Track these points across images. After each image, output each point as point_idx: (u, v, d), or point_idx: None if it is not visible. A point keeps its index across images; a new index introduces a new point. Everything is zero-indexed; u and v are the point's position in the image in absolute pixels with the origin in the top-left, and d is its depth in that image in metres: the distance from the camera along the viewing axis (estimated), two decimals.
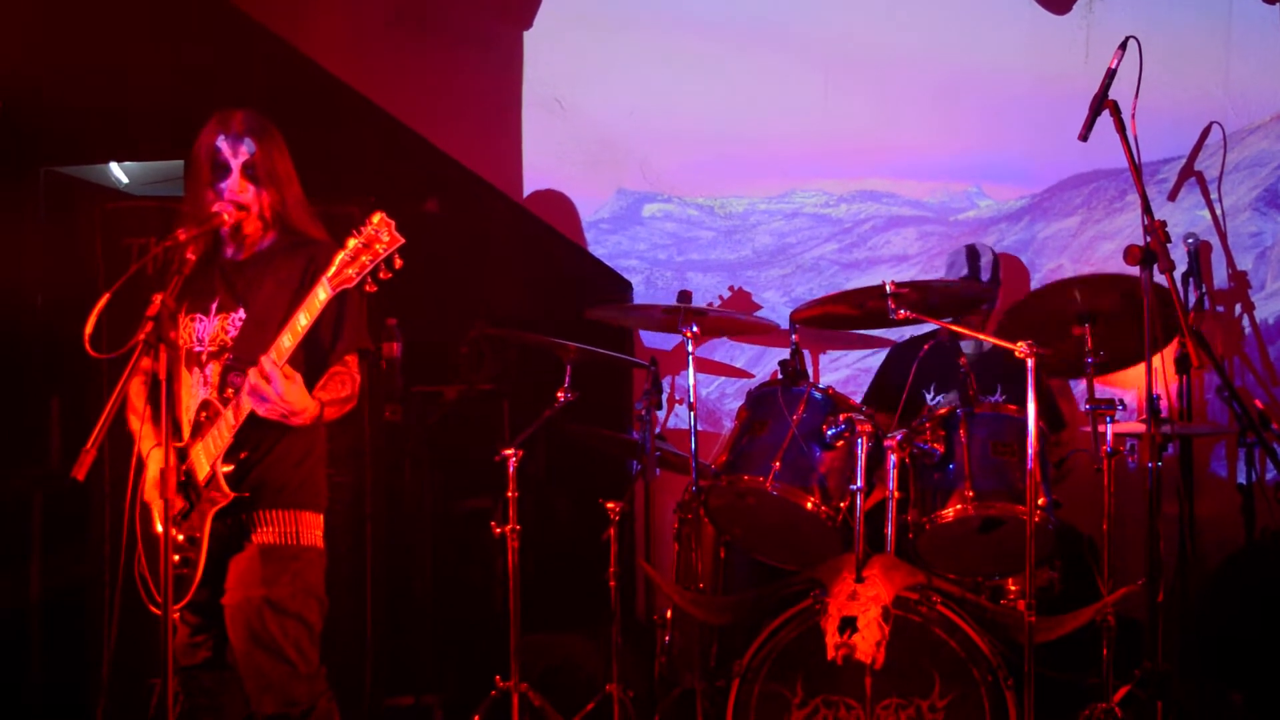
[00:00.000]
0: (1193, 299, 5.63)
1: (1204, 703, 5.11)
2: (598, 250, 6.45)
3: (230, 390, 3.82)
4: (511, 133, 6.61)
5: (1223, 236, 6.05)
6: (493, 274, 5.99)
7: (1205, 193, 6.05)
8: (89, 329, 3.50)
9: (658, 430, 4.80)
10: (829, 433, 4.50)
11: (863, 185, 6.44)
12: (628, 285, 6.45)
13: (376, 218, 3.60)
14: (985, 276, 5.45)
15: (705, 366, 6.16)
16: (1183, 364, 5.55)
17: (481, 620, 5.35)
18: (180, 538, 3.79)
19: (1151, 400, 4.15)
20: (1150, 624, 4.56)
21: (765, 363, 6.27)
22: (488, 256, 6.03)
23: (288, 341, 3.67)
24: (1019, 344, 4.13)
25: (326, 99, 6.06)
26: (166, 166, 6.43)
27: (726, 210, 6.54)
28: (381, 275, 3.61)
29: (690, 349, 4.70)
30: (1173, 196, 6.04)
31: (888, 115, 6.33)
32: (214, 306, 3.92)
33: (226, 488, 3.77)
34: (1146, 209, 4.07)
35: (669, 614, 5.02)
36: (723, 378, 6.39)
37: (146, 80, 5.86)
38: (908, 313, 4.43)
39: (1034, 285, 6.30)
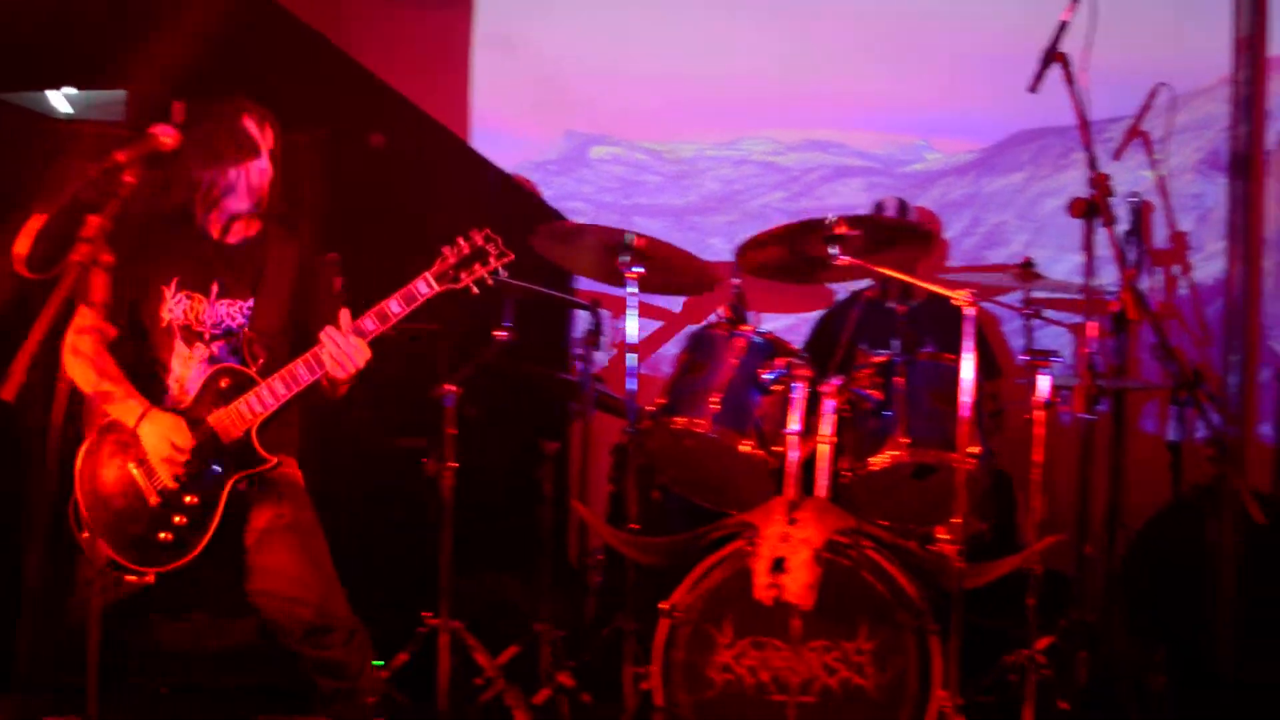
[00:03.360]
0: (1133, 257, 5.66)
1: (1127, 655, 5.17)
2: (544, 192, 6.41)
3: (261, 360, 4.02)
4: (460, 71, 6.55)
5: (1165, 197, 6.09)
6: (437, 211, 5.94)
7: (1150, 153, 6.08)
8: (22, 249, 3.47)
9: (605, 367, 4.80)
10: (767, 377, 4.50)
11: (811, 135, 6.42)
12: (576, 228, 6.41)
13: (485, 234, 3.92)
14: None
15: (646, 311, 6.14)
16: (1119, 321, 5.64)
17: (413, 559, 5.32)
18: (189, 499, 3.94)
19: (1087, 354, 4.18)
20: (1077, 576, 4.62)
21: (707, 309, 6.24)
22: (433, 194, 5.97)
23: (371, 325, 3.90)
24: (960, 292, 4.14)
25: (273, 29, 5.97)
26: (109, 95, 6.31)
27: (675, 155, 6.52)
28: (488, 283, 3.94)
29: (631, 288, 4.68)
30: (1118, 155, 6.05)
31: (838, 66, 6.31)
32: (215, 289, 4.07)
33: (265, 452, 3.97)
34: (1092, 162, 4.09)
35: (600, 555, 5.02)
36: (662, 322, 6.38)
37: (88, 6, 5.75)
38: (849, 258, 4.43)
39: (977, 239, 6.32)
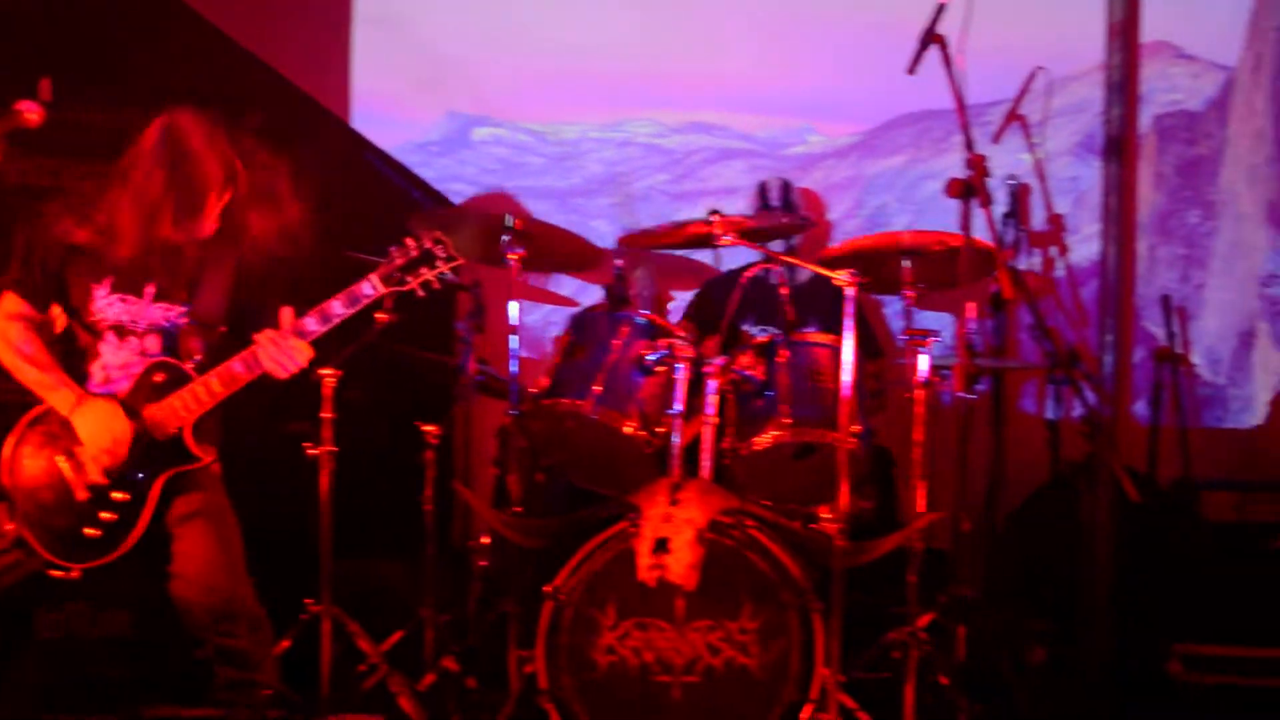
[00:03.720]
0: (1011, 239, 5.74)
1: (1006, 630, 5.26)
2: (425, 173, 6.32)
3: (199, 357, 3.98)
4: (341, 50, 6.45)
5: (1042, 180, 6.17)
6: (316, 193, 5.84)
7: (1028, 136, 6.17)
8: None
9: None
10: (650, 358, 4.50)
11: (695, 117, 6.43)
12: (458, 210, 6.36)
13: (434, 236, 3.94)
14: (794, 209, 5.50)
15: (530, 294, 6.10)
16: (997, 301, 5.71)
17: (296, 544, 5.24)
18: (118, 496, 3.90)
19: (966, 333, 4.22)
20: (956, 552, 4.69)
21: (590, 292, 6.23)
22: (311, 175, 5.86)
23: (313, 325, 3.90)
24: (841, 272, 4.17)
25: (145, 3, 5.84)
26: None
27: (558, 137, 6.49)
28: (434, 287, 3.96)
29: (515, 273, 4.65)
30: (996, 138, 6.13)
31: (721, 48, 6.32)
32: (150, 292, 4.02)
33: (198, 450, 3.96)
34: (969, 144, 4.13)
35: (485, 539, 4.99)
36: (548, 306, 6.35)
37: None
38: (732, 238, 4.45)
39: (860, 222, 6.38)
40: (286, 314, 3.89)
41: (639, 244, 4.73)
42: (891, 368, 5.57)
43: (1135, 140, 6.17)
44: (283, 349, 3.86)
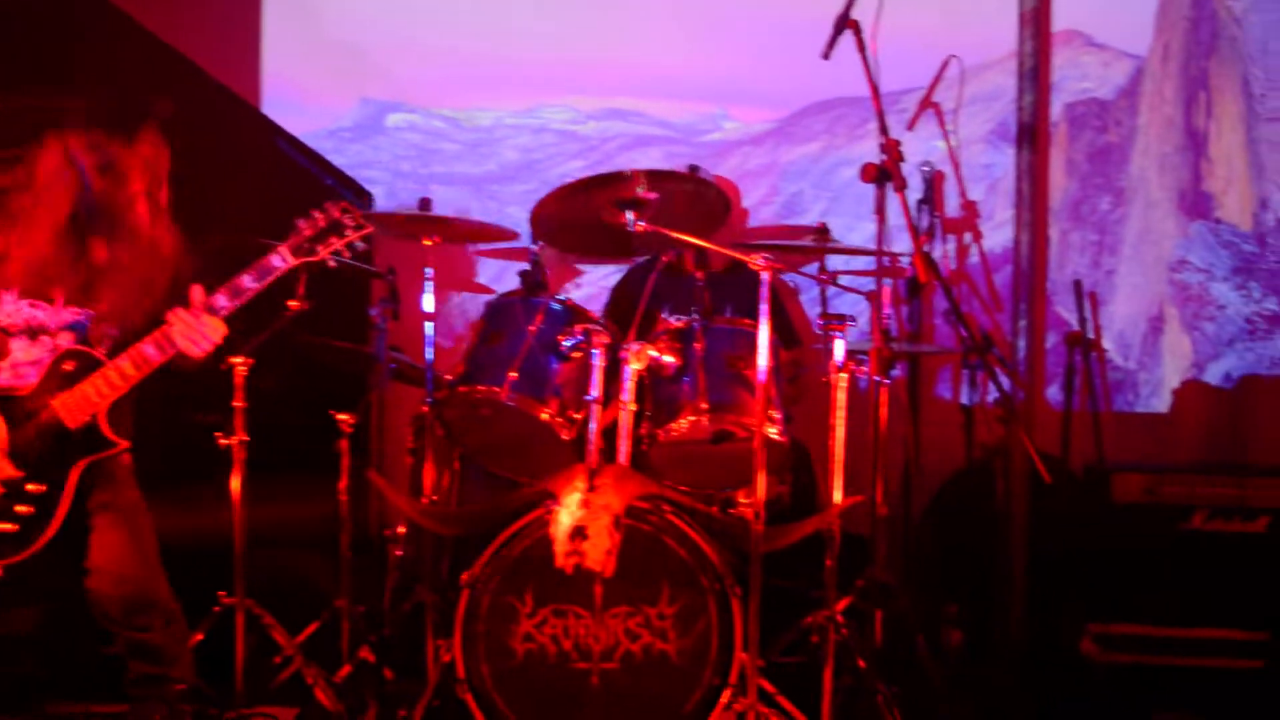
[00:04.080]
0: (925, 225, 5.77)
1: (922, 613, 5.30)
2: (338, 159, 6.26)
3: (108, 342, 3.89)
4: (251, 35, 6.36)
5: (956, 166, 6.22)
6: (227, 180, 5.76)
7: (942, 123, 6.21)
8: None
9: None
10: (566, 344, 4.48)
11: (610, 103, 6.40)
12: (368, 196, 6.29)
13: (341, 206, 3.89)
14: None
15: (446, 282, 6.06)
16: (913, 287, 5.75)
17: (209, 536, 5.17)
18: (33, 488, 3.83)
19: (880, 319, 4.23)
20: (872, 537, 4.71)
21: (507, 279, 6.19)
22: (222, 162, 5.78)
23: (224, 301, 3.83)
24: (756, 256, 4.16)
25: None
26: None
27: (473, 123, 6.44)
28: (344, 256, 3.94)
29: (430, 259, 4.60)
30: (911, 126, 6.17)
31: (637, 33, 6.29)
32: (59, 298, 3.95)
33: (113, 436, 3.89)
34: (883, 128, 4.14)
35: (401, 529, 4.94)
36: (465, 293, 6.31)
37: None
38: (647, 225, 4.42)
39: (776, 209, 6.39)
40: (197, 292, 3.81)
41: (553, 225, 4.69)
42: (808, 355, 5.60)
43: (1047, 127, 6.23)
44: (195, 327, 3.79)
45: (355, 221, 3.91)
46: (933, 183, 5.84)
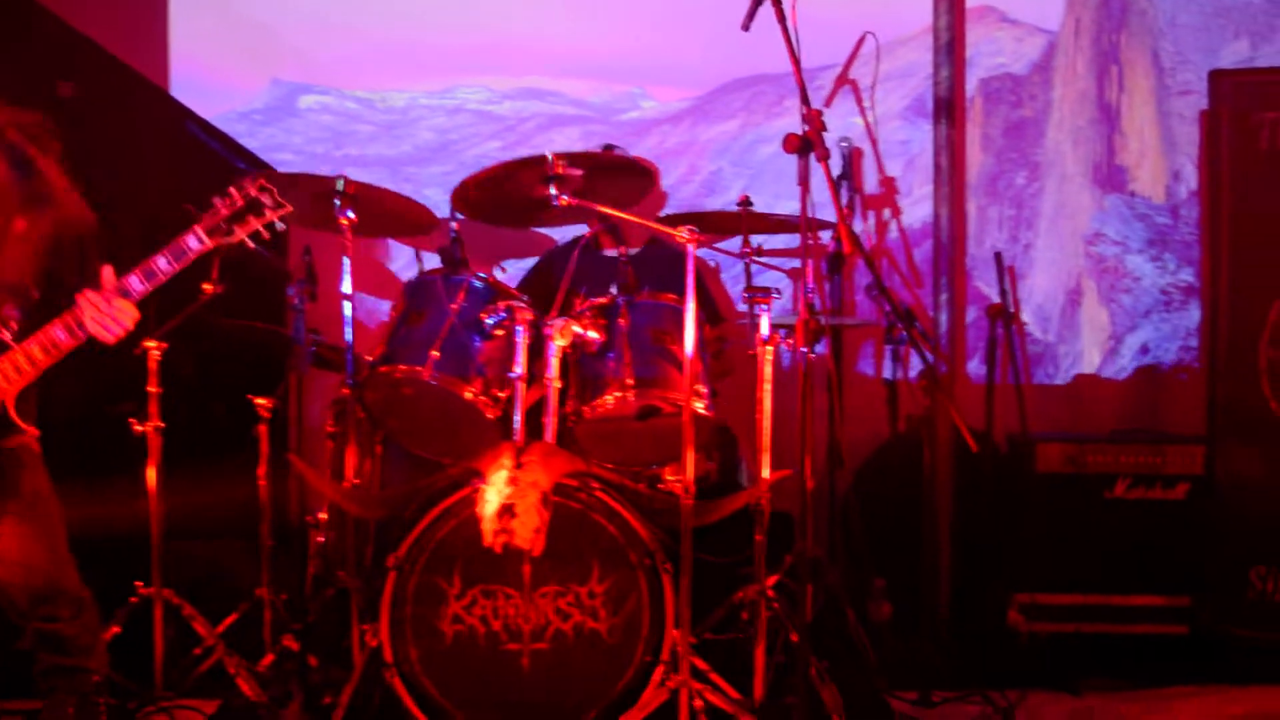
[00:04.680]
0: (845, 200, 5.76)
1: (850, 587, 5.30)
2: (249, 143, 6.13)
3: (14, 324, 3.77)
4: (157, 15, 6.21)
5: (874, 143, 6.22)
6: (134, 163, 5.62)
7: (859, 100, 6.22)
8: None
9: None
10: (489, 321, 4.42)
11: (526, 83, 6.33)
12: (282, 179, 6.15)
13: (259, 184, 3.75)
14: None
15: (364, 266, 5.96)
16: (835, 261, 5.75)
17: (128, 526, 5.05)
18: None
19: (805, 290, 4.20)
20: (800, 512, 4.68)
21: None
22: (129, 145, 5.64)
23: (137, 284, 3.70)
24: (680, 229, 4.13)
25: None
26: None
27: (387, 104, 6.34)
28: (263, 236, 3.80)
29: (348, 238, 4.50)
30: (828, 103, 6.16)
31: (552, 12, 6.22)
32: None
33: (22, 422, 3.79)
34: (804, 98, 4.11)
35: (323, 515, 4.85)
36: (383, 275, 6.21)
37: None
38: (570, 199, 4.37)
39: (695, 187, 6.35)
40: (108, 273, 3.70)
41: (472, 202, 4.61)
42: (732, 331, 5.56)
43: (964, 101, 6.25)
44: (107, 310, 3.67)
45: (274, 200, 3.80)
46: (851, 159, 5.85)
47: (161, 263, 3.74)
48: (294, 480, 5.11)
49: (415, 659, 4.18)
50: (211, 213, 3.78)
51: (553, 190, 4.35)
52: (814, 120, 4.11)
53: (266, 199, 3.80)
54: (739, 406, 4.81)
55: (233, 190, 3.80)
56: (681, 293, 4.18)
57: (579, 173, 4.39)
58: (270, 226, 3.82)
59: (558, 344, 4.35)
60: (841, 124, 6.16)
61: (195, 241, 3.76)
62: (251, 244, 3.83)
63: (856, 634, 4.97)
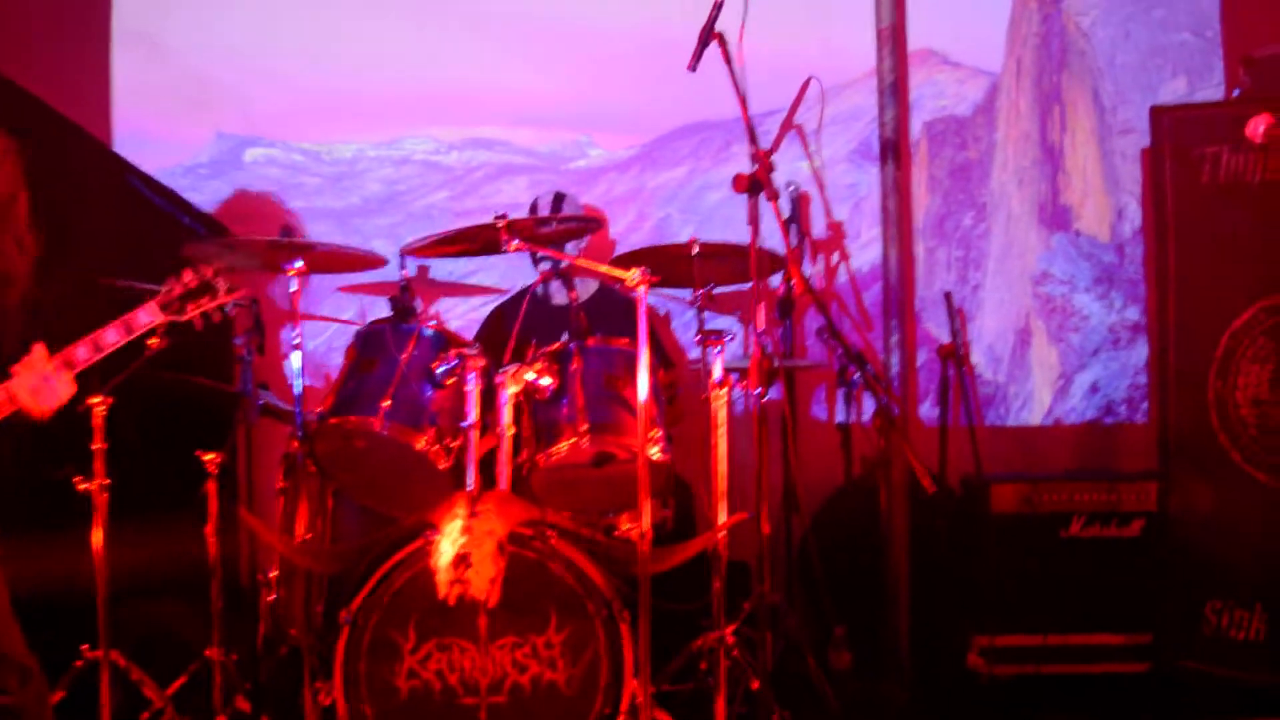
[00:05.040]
0: (795, 244, 5.76)
1: (811, 636, 5.26)
2: (194, 196, 6.07)
3: None
4: (100, 70, 6.16)
5: (821, 187, 6.25)
6: (77, 219, 5.54)
7: (805, 145, 6.24)
8: None
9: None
10: (440, 370, 4.37)
11: (474, 133, 6.32)
12: (228, 233, 6.10)
13: (215, 268, 3.85)
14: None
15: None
16: (785, 307, 5.74)
17: (74, 589, 4.95)
18: None
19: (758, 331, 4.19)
20: (758, 559, 4.65)
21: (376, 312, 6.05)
22: (72, 200, 5.56)
23: (83, 354, 3.66)
24: (631, 271, 4.10)
25: None
26: None
27: (334, 156, 6.30)
28: (214, 320, 3.87)
29: (294, 286, 4.44)
30: (774, 148, 6.14)
31: (495, 62, 6.22)
32: None
33: None
34: (753, 138, 4.11)
35: (274, 572, 4.76)
36: (332, 329, 6.14)
37: None
38: (520, 243, 4.34)
39: (645, 235, 6.34)
40: (39, 349, 3.61)
41: (424, 254, 4.58)
42: (684, 377, 5.54)
43: (908, 143, 6.28)
44: (44, 382, 3.58)
45: (228, 285, 3.87)
46: (799, 203, 5.86)
47: (110, 335, 3.73)
48: (245, 537, 5.02)
49: (370, 715, 4.10)
50: (166, 290, 3.81)
51: (503, 236, 4.32)
52: (763, 160, 4.12)
53: (221, 283, 3.86)
54: (694, 453, 4.78)
55: (188, 271, 3.85)
56: (634, 339, 4.18)
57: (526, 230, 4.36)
58: (221, 309, 3.88)
59: (510, 391, 4.31)
60: (789, 169, 6.16)
61: (146, 317, 3.79)
62: (200, 324, 3.86)
63: (818, 680, 4.93)
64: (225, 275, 3.85)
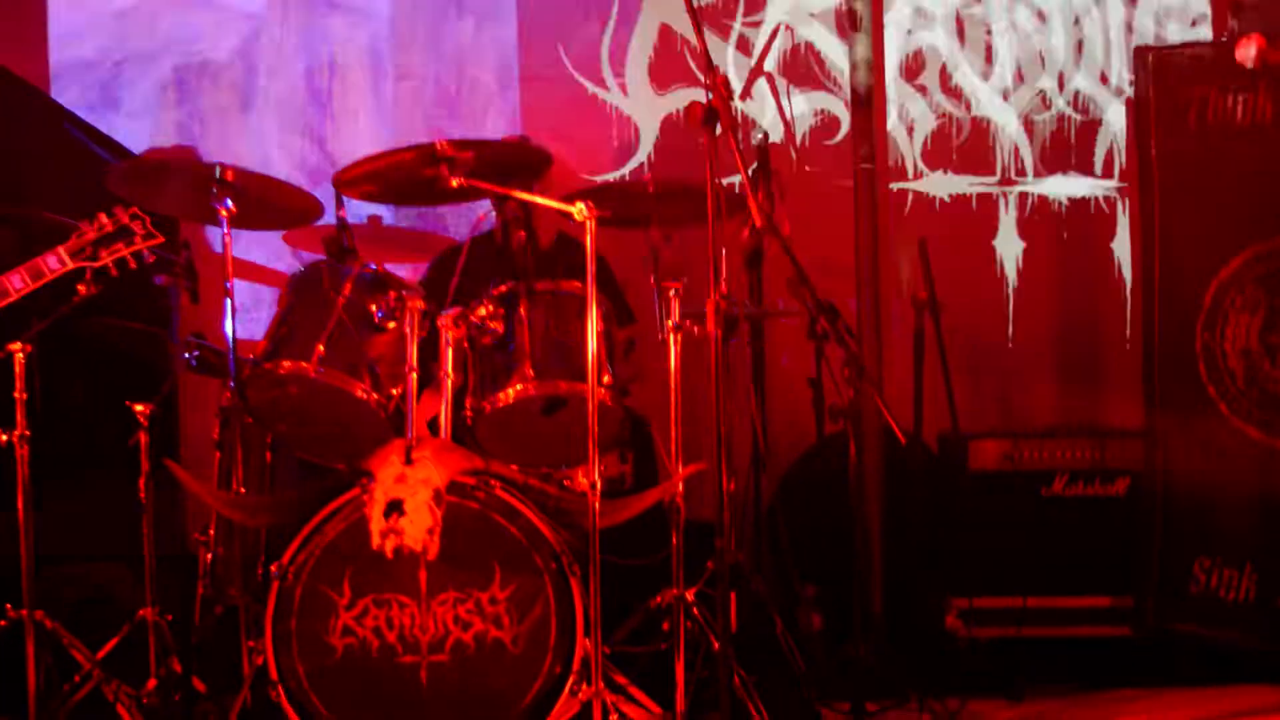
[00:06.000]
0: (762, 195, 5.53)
1: (780, 597, 5.04)
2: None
3: None
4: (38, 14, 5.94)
5: (790, 135, 6.04)
6: (12, 167, 5.33)
7: (774, 92, 6.06)
8: None
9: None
10: (378, 313, 4.13)
11: None
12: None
13: (130, 212, 3.76)
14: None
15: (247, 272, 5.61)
16: (754, 258, 5.50)
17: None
18: None
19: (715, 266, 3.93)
20: (720, 515, 4.40)
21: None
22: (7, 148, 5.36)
23: None
24: (577, 204, 3.87)
25: None
26: None
27: None
28: (130, 266, 3.78)
29: (226, 228, 4.19)
30: (744, 95, 5.99)
31: None
32: None
33: None
34: (708, 64, 3.86)
35: (211, 529, 4.53)
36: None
37: None
38: (463, 180, 4.11)
39: None
40: None
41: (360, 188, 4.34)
42: (645, 335, 5.31)
43: (884, 88, 6.08)
44: None
45: (145, 230, 3.71)
46: (766, 150, 5.62)
47: (15, 281, 3.58)
48: (182, 493, 4.79)
49: (302, 674, 3.89)
50: (78, 234, 3.64)
51: (444, 171, 4.08)
52: (718, 88, 3.87)
53: (138, 227, 3.66)
54: (659, 409, 4.55)
55: (102, 215, 3.75)
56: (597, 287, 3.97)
57: (469, 154, 4.12)
58: (139, 255, 3.76)
59: (452, 335, 4.08)
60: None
61: (56, 262, 3.67)
62: (115, 270, 3.76)
63: (785, 643, 4.70)
64: (144, 220, 3.65)
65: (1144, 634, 5.18)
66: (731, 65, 6.14)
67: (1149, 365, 5.27)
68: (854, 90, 5.69)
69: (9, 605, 4.25)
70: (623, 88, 6.18)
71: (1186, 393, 5.12)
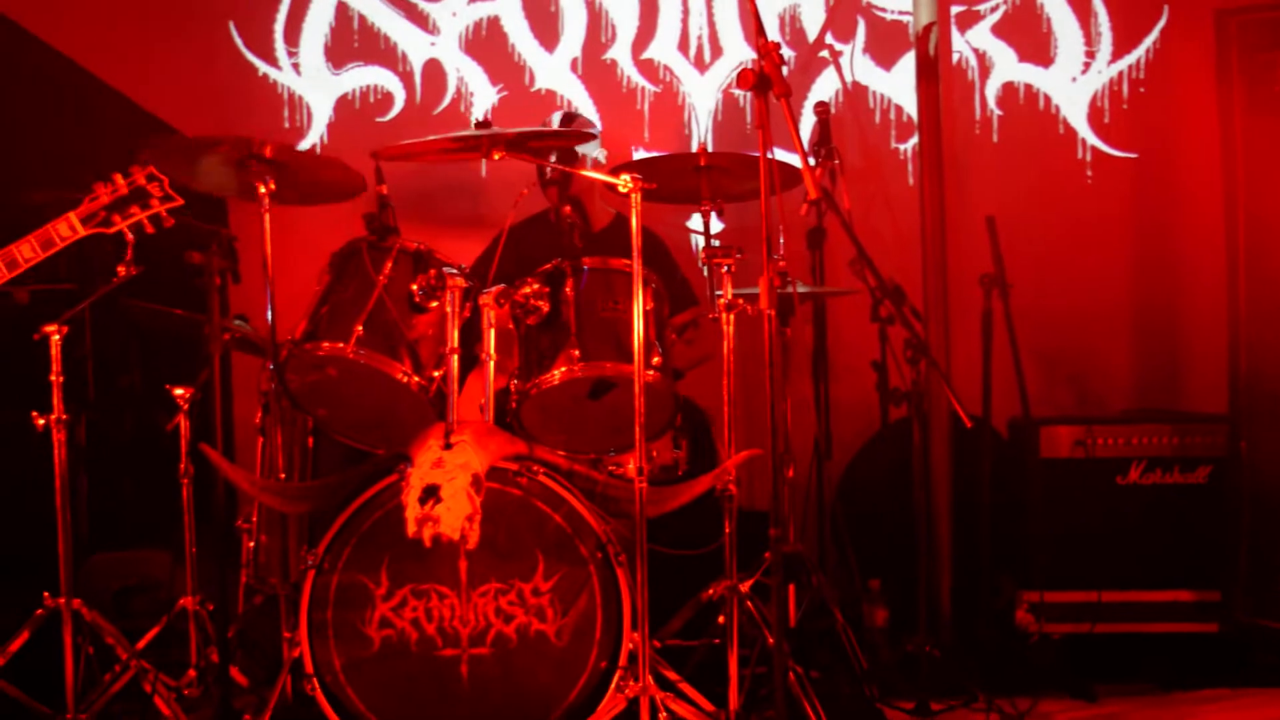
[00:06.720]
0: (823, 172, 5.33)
1: (843, 589, 4.85)
2: None
3: None
4: None
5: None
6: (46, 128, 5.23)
7: (838, 67, 5.86)
8: None
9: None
10: (419, 292, 3.98)
11: None
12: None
13: (147, 172, 3.53)
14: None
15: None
16: (815, 237, 5.32)
17: (41, 540, 4.64)
18: None
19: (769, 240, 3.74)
20: (778, 503, 4.21)
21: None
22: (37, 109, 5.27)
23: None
24: (622, 176, 3.70)
25: None
26: None
27: None
28: (146, 230, 3.56)
29: (265, 205, 4.06)
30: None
31: None
32: None
33: None
34: (759, 28, 3.66)
35: (254, 516, 4.41)
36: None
37: None
38: (503, 152, 3.95)
39: None
40: None
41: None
42: (708, 318, 5.13)
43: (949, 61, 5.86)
44: None
45: (162, 191, 3.53)
46: (828, 124, 5.43)
47: (26, 251, 3.42)
48: (223, 480, 4.68)
49: (339, 667, 3.75)
50: (90, 199, 3.48)
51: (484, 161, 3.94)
52: (771, 54, 3.67)
53: (155, 189, 3.51)
54: (714, 393, 4.36)
55: (116, 176, 3.53)
56: (650, 267, 3.81)
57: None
58: (156, 220, 3.55)
59: (492, 315, 3.93)
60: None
61: (67, 229, 3.50)
62: (131, 236, 3.56)
63: (846, 638, 4.51)
64: (161, 181, 3.48)
65: (1232, 630, 4.92)
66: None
67: (1234, 347, 4.99)
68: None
69: (47, 594, 4.17)
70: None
71: (1274, 377, 4.85)
